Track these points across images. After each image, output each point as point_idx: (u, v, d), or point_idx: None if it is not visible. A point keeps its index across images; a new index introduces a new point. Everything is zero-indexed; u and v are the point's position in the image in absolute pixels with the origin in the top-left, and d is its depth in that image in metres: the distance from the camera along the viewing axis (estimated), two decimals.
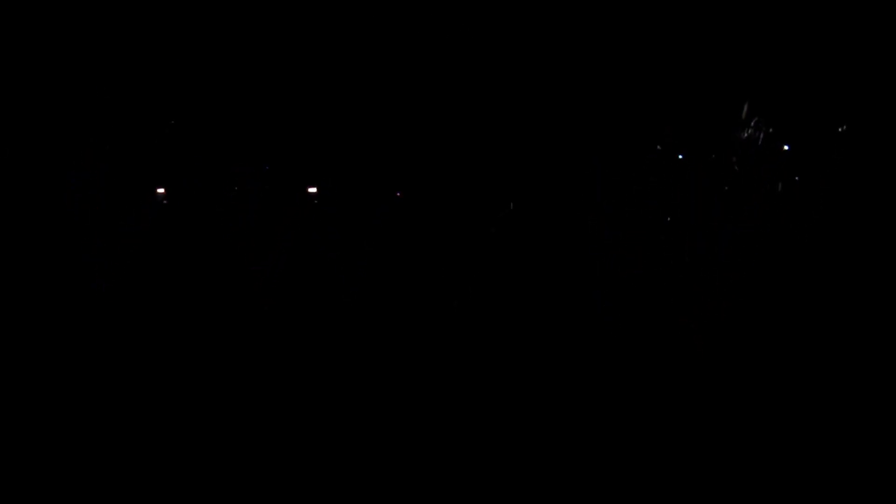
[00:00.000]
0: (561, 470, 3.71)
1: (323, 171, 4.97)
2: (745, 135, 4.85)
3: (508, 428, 4.00)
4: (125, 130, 4.81)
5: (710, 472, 3.66)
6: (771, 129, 4.84)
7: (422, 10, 4.88)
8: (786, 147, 4.85)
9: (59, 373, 4.30)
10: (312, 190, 4.84)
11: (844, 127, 4.79)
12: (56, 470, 3.64)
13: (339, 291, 4.83)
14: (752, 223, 4.78)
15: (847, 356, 4.31)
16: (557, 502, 3.56)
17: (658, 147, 4.88)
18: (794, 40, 4.82)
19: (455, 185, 4.98)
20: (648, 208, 4.83)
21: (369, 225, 4.93)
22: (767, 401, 4.13)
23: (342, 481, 3.65)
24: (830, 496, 3.51)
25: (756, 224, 4.77)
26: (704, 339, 4.51)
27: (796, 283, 4.64)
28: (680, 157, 4.89)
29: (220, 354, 4.52)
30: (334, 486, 3.64)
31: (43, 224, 4.60)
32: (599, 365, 4.48)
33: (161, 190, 4.63)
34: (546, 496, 3.58)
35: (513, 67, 4.93)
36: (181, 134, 4.88)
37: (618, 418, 4.07)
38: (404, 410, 4.15)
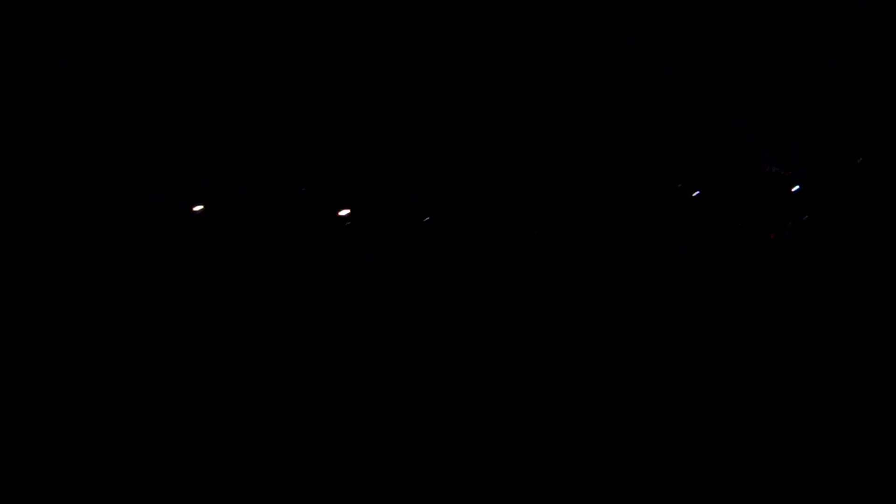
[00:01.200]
0: (561, 469, 3.72)
1: (324, 172, 4.98)
2: (748, 134, 4.89)
3: (509, 426, 4.01)
4: (125, 130, 4.79)
5: (711, 472, 3.68)
6: (774, 129, 4.88)
7: (429, 11, 4.88)
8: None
9: (60, 373, 4.29)
10: (345, 213, 4.82)
11: (847, 128, 4.83)
12: (56, 469, 3.62)
13: (340, 291, 4.83)
14: (752, 223, 4.81)
15: (848, 356, 4.35)
16: (558, 502, 3.57)
17: (660, 149, 4.91)
18: (796, 42, 4.86)
19: (455, 186, 4.99)
20: (649, 208, 4.85)
21: (370, 226, 4.93)
22: (767, 401, 4.16)
23: (343, 480, 3.66)
24: (831, 496, 3.54)
25: (756, 224, 4.81)
26: (705, 338, 4.54)
27: (797, 283, 4.68)
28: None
29: (220, 354, 4.52)
30: (335, 485, 3.64)
31: (43, 224, 4.57)
32: (599, 365, 4.50)
33: (199, 208, 4.61)
34: (546, 495, 3.59)
35: (515, 68, 4.94)
36: (183, 135, 4.87)
37: (618, 418, 4.09)
38: (405, 409, 4.15)
